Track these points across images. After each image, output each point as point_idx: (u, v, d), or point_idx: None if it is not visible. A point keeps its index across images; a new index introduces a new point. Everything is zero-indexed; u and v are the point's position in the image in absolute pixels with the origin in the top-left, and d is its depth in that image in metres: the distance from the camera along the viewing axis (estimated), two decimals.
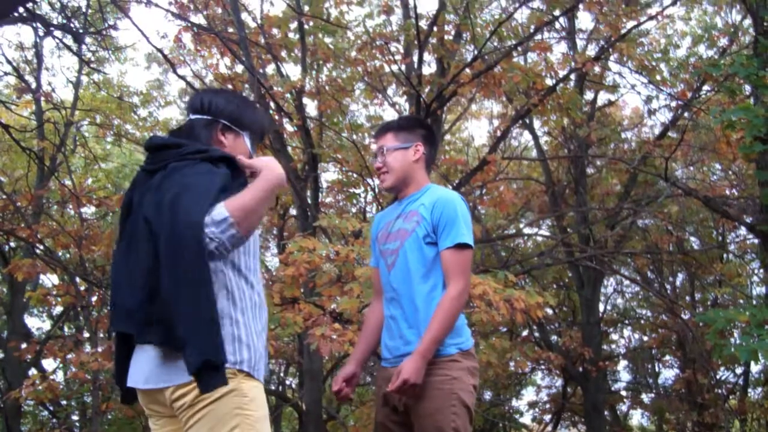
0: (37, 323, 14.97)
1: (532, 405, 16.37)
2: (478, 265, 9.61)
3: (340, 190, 10.40)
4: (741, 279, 13.33)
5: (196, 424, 1.93)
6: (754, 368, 13.79)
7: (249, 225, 1.92)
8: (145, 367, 2.00)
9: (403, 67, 8.53)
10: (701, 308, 13.07)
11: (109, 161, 13.11)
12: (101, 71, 10.15)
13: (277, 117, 8.36)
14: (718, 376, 13.29)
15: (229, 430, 1.91)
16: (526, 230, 13.13)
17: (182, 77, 8.17)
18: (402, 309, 2.51)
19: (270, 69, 9.08)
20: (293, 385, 14.75)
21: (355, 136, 9.11)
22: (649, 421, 17.19)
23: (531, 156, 13.04)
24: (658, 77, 9.33)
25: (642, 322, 15.08)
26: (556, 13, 8.28)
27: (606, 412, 13.45)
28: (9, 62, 9.41)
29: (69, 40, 7.66)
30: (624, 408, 16.36)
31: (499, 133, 10.56)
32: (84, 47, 9.12)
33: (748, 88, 7.53)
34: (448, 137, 12.54)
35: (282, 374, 14.47)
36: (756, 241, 11.01)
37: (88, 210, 10.45)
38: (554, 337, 13.55)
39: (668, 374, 15.80)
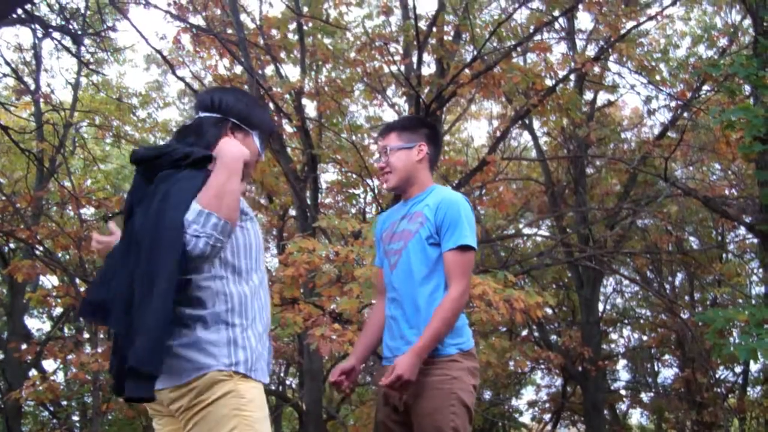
0: (37, 324, 14.97)
1: (531, 404, 16.38)
2: (478, 265, 9.61)
3: (339, 190, 10.41)
4: (740, 278, 13.34)
5: (195, 427, 1.93)
6: (753, 367, 13.82)
7: (227, 207, 1.91)
8: None
9: (403, 68, 8.53)
10: (700, 308, 13.07)
11: (109, 162, 13.11)
12: (100, 72, 10.15)
13: (276, 118, 8.36)
14: (717, 375, 13.30)
15: (228, 431, 1.91)
16: (526, 230, 13.13)
17: (181, 78, 8.19)
18: (403, 309, 2.52)
19: (269, 70, 9.08)
20: (293, 385, 14.76)
21: (354, 137, 9.11)
22: (649, 420, 17.20)
23: (530, 156, 13.04)
24: (657, 77, 9.34)
25: (641, 321, 15.09)
26: (556, 13, 8.28)
27: (605, 411, 13.46)
28: (8, 64, 9.41)
29: (68, 41, 7.66)
30: (623, 407, 16.37)
31: (498, 134, 10.56)
32: (83, 49, 9.12)
33: (747, 88, 7.54)
34: (447, 138, 12.54)
35: (282, 374, 14.47)
36: (755, 240, 11.02)
37: (88, 211, 10.44)
38: (554, 337, 13.55)
39: (667, 373, 15.82)
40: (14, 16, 6.15)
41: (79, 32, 7.48)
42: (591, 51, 10.12)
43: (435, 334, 2.40)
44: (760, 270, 13.32)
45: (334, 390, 15.48)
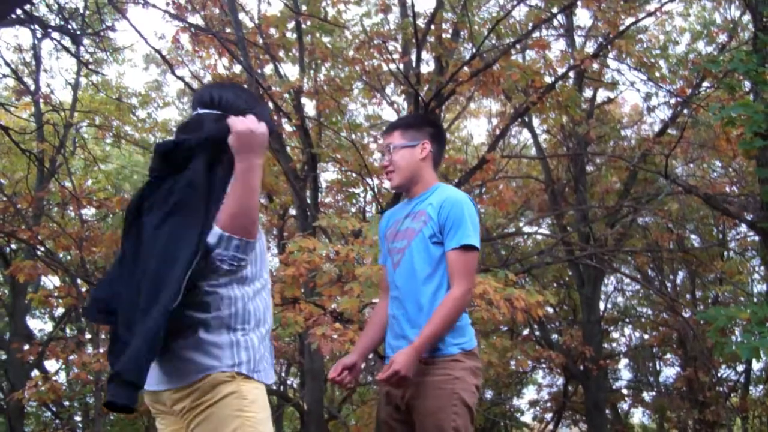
0: (39, 325, 14.99)
1: (533, 404, 16.38)
2: (479, 264, 9.60)
3: (339, 189, 10.40)
4: (742, 276, 13.32)
5: (198, 427, 1.93)
6: (756, 366, 13.80)
7: (246, 225, 1.92)
8: (153, 369, 2.00)
9: (402, 66, 8.52)
10: (702, 306, 13.06)
11: (109, 163, 13.11)
12: (100, 72, 10.15)
13: (275, 117, 8.36)
14: (719, 374, 13.28)
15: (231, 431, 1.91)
16: (526, 229, 13.11)
17: (180, 78, 8.18)
18: (405, 308, 2.51)
19: (268, 69, 9.08)
20: (294, 385, 14.76)
21: (353, 136, 9.10)
22: (651, 419, 17.18)
23: (530, 154, 13.03)
24: (657, 74, 9.33)
25: (643, 320, 15.08)
26: (555, 10, 8.27)
27: (607, 411, 13.44)
28: (8, 64, 9.42)
29: (67, 41, 7.65)
30: (625, 406, 16.35)
31: (498, 132, 10.55)
32: (82, 49, 9.12)
33: (747, 84, 7.52)
34: (447, 136, 12.52)
35: (283, 374, 14.48)
36: (756, 238, 10.99)
37: (89, 211, 10.47)
38: (555, 336, 13.54)
39: (669, 372, 15.80)
40: (13, 16, 6.15)
41: (78, 32, 7.47)
42: (590, 48, 10.10)
43: (435, 332, 2.39)
44: (762, 268, 13.30)
45: (335, 389, 15.49)
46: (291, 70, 11.52)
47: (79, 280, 8.45)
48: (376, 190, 9.43)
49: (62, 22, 7.32)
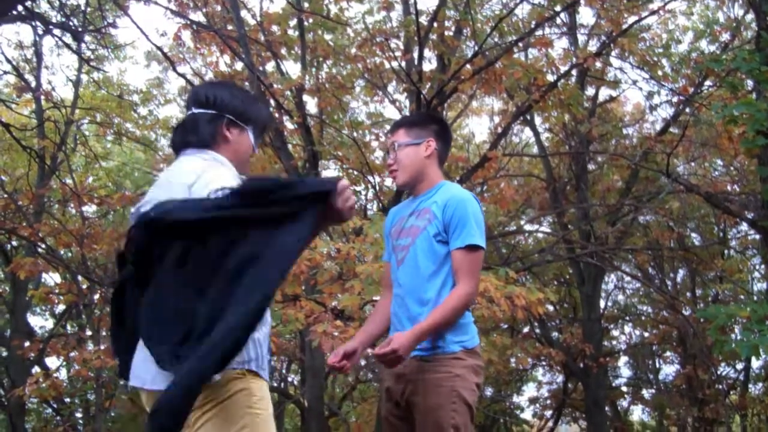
0: (40, 321, 15.02)
1: (533, 401, 16.40)
2: None
3: None
4: (742, 275, 13.33)
5: (206, 424, 1.92)
6: (755, 364, 13.81)
7: None
8: (151, 367, 1.99)
9: (404, 64, 8.51)
10: (702, 304, 13.05)
11: (110, 160, 13.12)
12: (101, 69, 10.15)
13: (277, 114, 8.35)
14: (718, 372, 13.29)
15: (239, 429, 1.91)
16: (527, 227, 13.11)
17: (182, 75, 8.17)
18: (406, 306, 2.51)
19: (270, 66, 9.07)
20: (295, 382, 14.77)
21: (355, 134, 9.10)
22: (650, 416, 17.22)
23: (532, 152, 13.02)
24: (659, 73, 9.32)
25: (643, 318, 15.10)
26: (557, 8, 8.26)
27: (607, 408, 13.46)
28: (9, 61, 9.42)
29: (68, 38, 7.66)
30: (625, 404, 16.38)
31: (500, 130, 10.55)
32: (83, 45, 9.12)
33: (750, 83, 7.51)
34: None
35: (284, 371, 14.50)
36: (757, 236, 11.00)
37: (90, 208, 10.45)
38: (555, 334, 13.55)
39: (669, 370, 15.82)
40: (15, 13, 6.15)
41: (80, 29, 7.48)
42: (593, 46, 10.10)
43: (438, 321, 2.38)
44: (762, 266, 13.32)
45: (335, 386, 15.51)
46: (293, 68, 11.53)
47: (79, 277, 8.46)
48: (377, 188, 9.43)
49: (63, 19, 7.32)
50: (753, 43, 7.80)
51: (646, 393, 15.74)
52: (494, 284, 5.03)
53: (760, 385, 15.06)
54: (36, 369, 10.34)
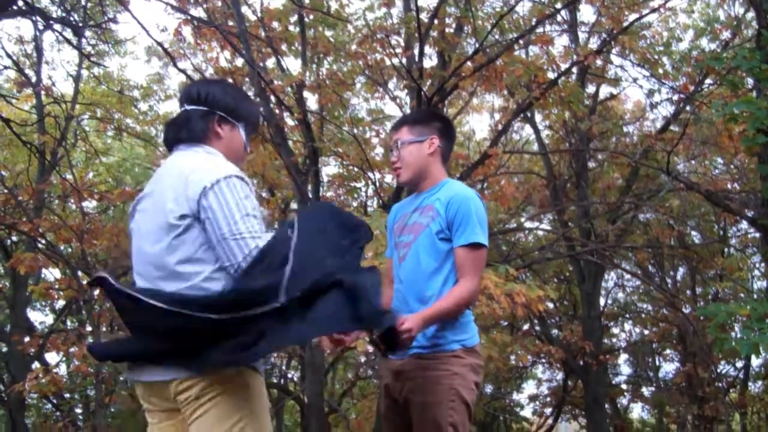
0: (39, 317, 15.04)
1: (532, 398, 16.44)
2: None
3: (341, 184, 10.39)
4: (742, 273, 13.34)
5: (202, 416, 1.93)
6: (755, 362, 13.85)
7: None
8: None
9: (404, 61, 8.50)
10: (702, 302, 13.08)
11: (110, 155, 13.11)
12: (101, 65, 10.15)
13: (277, 111, 8.34)
14: (718, 370, 13.32)
15: (235, 422, 1.92)
16: (527, 224, 13.12)
17: (182, 71, 8.15)
18: (407, 302, 2.51)
19: (270, 62, 9.05)
20: (295, 379, 14.79)
21: (355, 130, 9.09)
22: (650, 414, 17.25)
23: (532, 150, 13.02)
24: (660, 70, 9.29)
25: (643, 316, 15.11)
26: (558, 5, 8.23)
27: (606, 406, 13.48)
28: (9, 56, 9.42)
29: (69, 33, 7.65)
30: (624, 401, 16.42)
31: (500, 127, 10.53)
32: (84, 41, 9.12)
33: (750, 81, 7.50)
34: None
35: (284, 367, 14.52)
36: (757, 235, 11.00)
37: (90, 204, 10.46)
38: (555, 331, 13.57)
39: (669, 368, 15.85)
40: (15, 8, 6.14)
41: (80, 24, 7.47)
42: (593, 44, 10.08)
43: (443, 310, 2.38)
44: (762, 264, 13.33)
45: (335, 382, 15.52)
46: (293, 64, 11.52)
47: (79, 273, 8.46)
48: (377, 184, 9.42)
49: (64, 14, 7.32)
50: (753, 41, 7.79)
51: (646, 391, 15.78)
52: (494, 281, 5.03)
53: (760, 383, 15.09)
54: (36, 364, 10.36)
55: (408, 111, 8.74)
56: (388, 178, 9.67)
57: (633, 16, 8.49)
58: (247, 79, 8.60)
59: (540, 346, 11.87)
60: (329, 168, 10.85)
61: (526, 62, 7.77)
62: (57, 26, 7.39)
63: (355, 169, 9.46)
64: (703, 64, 8.27)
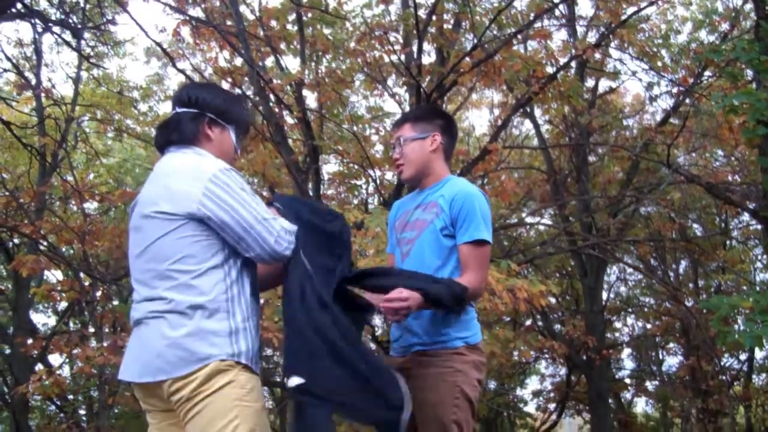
0: (42, 319, 15.07)
1: (536, 394, 16.44)
2: None
3: (341, 181, 10.40)
4: (744, 265, 13.33)
5: (195, 417, 1.94)
6: (759, 354, 13.81)
7: None
8: (142, 357, 2.01)
9: (403, 57, 8.49)
10: (705, 295, 13.07)
11: (111, 156, 13.12)
12: (101, 66, 10.15)
13: (277, 110, 8.34)
14: (722, 363, 13.30)
15: (229, 421, 1.92)
16: (529, 219, 13.12)
17: (182, 71, 8.15)
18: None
19: (269, 61, 9.05)
20: None
21: (355, 128, 9.08)
22: (654, 408, 17.24)
23: (532, 145, 13.01)
24: (659, 63, 9.28)
25: (645, 309, 15.10)
26: (556, 0, 8.23)
27: (610, 400, 13.49)
28: (8, 59, 9.41)
29: (68, 35, 7.66)
30: (628, 396, 16.41)
31: (499, 122, 10.53)
32: (83, 42, 9.12)
33: (750, 73, 7.49)
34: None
35: None
36: (759, 227, 10.98)
37: (91, 205, 10.47)
38: (558, 326, 13.57)
39: (672, 361, 15.85)
40: (14, 10, 6.15)
41: (79, 26, 7.48)
42: (592, 37, 10.06)
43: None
44: (764, 256, 13.32)
45: None
46: (292, 63, 11.50)
47: (81, 274, 8.47)
48: (378, 181, 9.42)
49: (63, 16, 7.32)
50: (752, 32, 7.77)
51: (650, 385, 15.77)
52: (496, 277, 5.03)
53: (764, 375, 15.09)
54: (39, 366, 10.37)
55: (407, 108, 8.73)
56: (389, 176, 9.67)
57: (631, 10, 8.47)
58: (246, 79, 8.60)
59: (543, 341, 11.87)
60: (329, 166, 10.86)
61: (524, 57, 7.76)
62: (56, 28, 7.40)
63: (356, 167, 9.46)
64: (702, 57, 8.25)
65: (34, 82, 10.20)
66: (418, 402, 2.41)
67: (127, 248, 2.16)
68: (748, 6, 9.90)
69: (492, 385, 15.01)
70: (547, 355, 14.12)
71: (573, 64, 9.50)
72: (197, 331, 1.95)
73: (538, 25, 8.59)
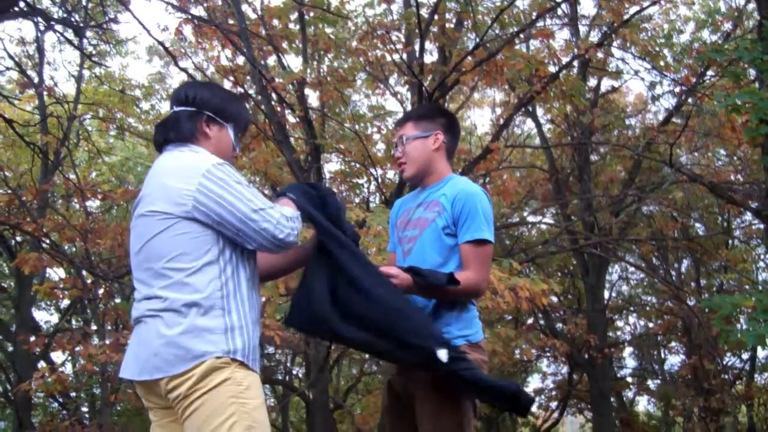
0: (45, 316, 15.09)
1: (538, 392, 16.41)
2: None
3: (343, 180, 10.40)
4: (746, 264, 13.31)
5: (192, 415, 1.94)
6: (761, 353, 13.81)
7: None
8: (140, 355, 2.02)
9: (405, 56, 8.49)
10: (707, 294, 13.05)
11: (113, 155, 13.13)
12: (103, 65, 10.15)
13: (279, 108, 8.35)
14: (724, 362, 13.29)
15: (225, 418, 1.92)
16: (530, 218, 13.12)
17: (184, 70, 8.15)
18: (411, 297, 2.51)
19: (271, 60, 9.06)
20: (300, 375, 14.82)
21: (357, 127, 9.09)
22: (656, 407, 17.23)
23: (534, 144, 13.00)
24: (661, 63, 9.26)
25: (647, 308, 15.09)
26: None
27: (612, 399, 13.48)
28: (11, 57, 9.42)
29: (70, 34, 7.66)
30: (630, 394, 16.41)
31: (501, 121, 10.52)
32: (85, 41, 9.12)
33: (753, 72, 7.48)
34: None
35: (289, 364, 14.53)
36: (761, 226, 10.98)
37: (93, 203, 10.50)
38: (559, 325, 13.57)
39: (674, 360, 15.84)
40: (16, 9, 6.15)
41: (81, 24, 7.47)
42: (594, 37, 10.06)
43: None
44: (767, 255, 13.29)
45: (340, 379, 15.54)
46: (294, 62, 11.52)
47: (84, 272, 8.48)
48: (379, 180, 9.43)
49: (65, 15, 7.33)
50: (755, 32, 7.76)
51: (652, 384, 15.76)
52: (498, 276, 5.03)
53: (766, 374, 15.06)
54: (42, 364, 10.40)
55: (409, 107, 8.74)
56: (390, 174, 9.67)
57: (633, 9, 8.46)
58: (248, 77, 8.62)
59: (544, 340, 11.88)
60: (331, 165, 10.87)
61: (526, 56, 7.75)
62: (58, 27, 7.39)
63: (357, 166, 9.46)
64: (705, 56, 8.22)
65: (36, 80, 10.22)
66: (418, 400, 2.42)
67: (129, 246, 2.18)
68: (751, 5, 9.88)
69: None
70: (548, 354, 14.12)
71: (575, 63, 9.49)
72: (192, 329, 1.95)
73: (540, 24, 8.59)
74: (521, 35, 8.57)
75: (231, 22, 8.30)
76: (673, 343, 15.39)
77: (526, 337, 11.92)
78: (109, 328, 9.57)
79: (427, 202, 2.56)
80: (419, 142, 2.58)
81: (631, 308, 15.59)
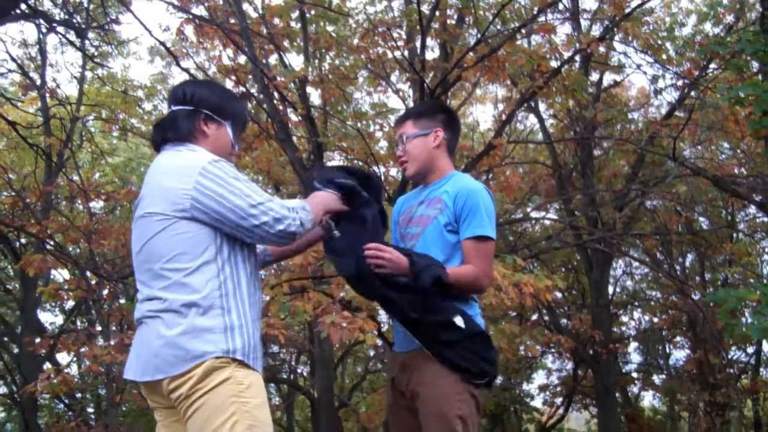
0: (50, 318, 15.14)
1: (543, 388, 16.42)
2: None
3: None
4: (751, 258, 13.27)
5: (194, 414, 1.95)
6: (766, 347, 13.78)
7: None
8: (142, 356, 2.02)
9: (406, 53, 8.48)
10: (711, 288, 13.03)
11: (116, 156, 13.16)
12: (105, 66, 10.17)
13: (281, 107, 8.34)
14: (729, 356, 13.28)
15: (227, 418, 1.92)
16: (534, 214, 13.11)
17: (185, 70, 8.14)
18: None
19: (273, 59, 9.06)
20: (305, 374, 14.84)
21: (359, 124, 9.08)
22: (661, 402, 17.22)
23: (537, 139, 12.98)
24: (663, 56, 9.23)
25: (652, 303, 15.07)
26: None
27: (617, 394, 13.47)
28: (13, 59, 9.46)
29: (72, 35, 7.67)
30: (635, 390, 16.40)
31: (504, 117, 10.50)
32: (87, 42, 9.13)
33: (755, 64, 7.45)
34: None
35: (293, 363, 14.56)
36: (766, 219, 10.95)
37: (97, 204, 10.50)
38: (564, 321, 13.56)
39: (679, 355, 15.83)
40: (18, 11, 6.16)
41: (83, 26, 7.49)
42: (596, 31, 10.03)
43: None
44: None
45: (345, 377, 15.56)
46: (296, 60, 11.51)
47: (88, 273, 8.50)
48: (382, 177, 9.41)
49: (67, 16, 7.33)
50: (757, 24, 7.74)
51: (657, 379, 15.76)
52: (502, 272, 5.02)
53: None
54: (47, 365, 10.42)
55: (411, 104, 8.72)
56: (393, 172, 9.66)
57: (635, 2, 8.41)
58: (250, 76, 8.61)
59: (549, 336, 11.87)
60: (334, 162, 10.86)
61: (528, 51, 7.73)
62: (60, 29, 7.41)
63: (360, 163, 9.44)
64: (707, 49, 8.20)
65: (38, 82, 10.24)
66: (421, 397, 2.42)
67: (131, 247, 2.18)
68: None
69: (498, 379, 15.01)
70: (553, 350, 14.12)
71: (577, 57, 9.46)
72: (191, 329, 1.95)
73: (541, 19, 8.56)
74: (523, 30, 8.54)
75: (232, 21, 8.29)
76: (678, 338, 15.38)
77: (530, 333, 11.90)
78: (113, 328, 9.59)
79: (429, 200, 2.56)
80: (419, 140, 2.58)
81: (636, 303, 15.58)
